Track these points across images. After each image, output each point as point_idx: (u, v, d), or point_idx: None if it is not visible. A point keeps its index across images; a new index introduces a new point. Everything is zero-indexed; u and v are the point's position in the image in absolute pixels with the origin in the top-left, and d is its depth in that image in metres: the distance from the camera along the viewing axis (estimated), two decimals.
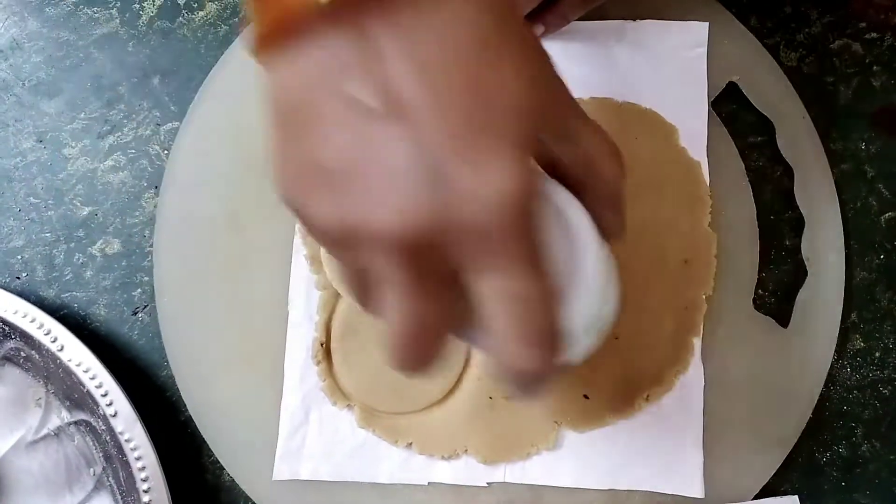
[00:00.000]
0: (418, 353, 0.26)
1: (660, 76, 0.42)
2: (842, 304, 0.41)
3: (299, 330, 0.41)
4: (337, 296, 0.41)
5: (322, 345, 0.41)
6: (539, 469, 0.40)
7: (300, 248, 0.42)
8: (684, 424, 0.40)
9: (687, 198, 0.41)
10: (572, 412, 0.40)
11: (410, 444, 0.40)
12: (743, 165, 0.42)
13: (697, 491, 0.40)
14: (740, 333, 0.41)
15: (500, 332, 0.25)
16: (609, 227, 0.29)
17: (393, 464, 0.40)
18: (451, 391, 0.41)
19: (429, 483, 0.40)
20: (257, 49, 0.25)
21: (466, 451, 0.40)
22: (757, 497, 0.40)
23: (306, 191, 0.25)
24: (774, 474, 0.40)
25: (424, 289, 0.25)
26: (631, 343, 0.40)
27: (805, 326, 0.41)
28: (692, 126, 0.42)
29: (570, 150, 0.28)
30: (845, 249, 0.41)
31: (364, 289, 0.27)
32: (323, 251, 0.41)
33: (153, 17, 0.45)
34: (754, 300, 0.41)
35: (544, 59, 0.27)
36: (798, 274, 0.42)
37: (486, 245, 0.24)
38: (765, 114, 0.42)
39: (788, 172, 0.42)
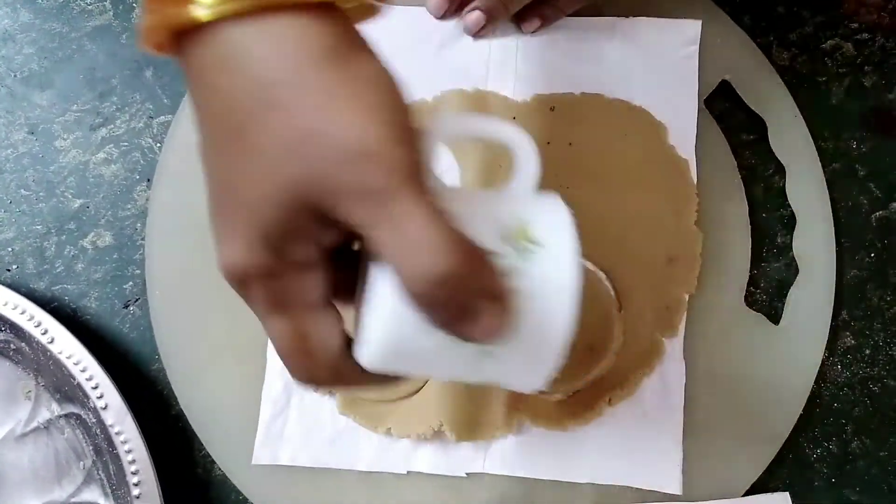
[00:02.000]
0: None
1: (651, 74, 0.42)
2: (833, 301, 0.41)
3: None
4: None
5: None
6: (518, 460, 0.40)
7: None
8: (664, 422, 0.40)
9: (673, 196, 0.42)
10: (530, 404, 0.40)
11: (389, 429, 0.40)
12: (735, 163, 0.42)
13: (676, 488, 0.40)
14: (731, 330, 0.41)
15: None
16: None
17: (372, 451, 0.40)
18: None
19: (408, 472, 0.40)
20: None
21: (441, 426, 0.40)
22: (747, 493, 0.40)
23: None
24: (765, 471, 0.40)
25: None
26: (604, 342, 0.41)
27: (796, 323, 0.41)
28: (681, 124, 0.42)
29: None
30: (836, 247, 0.42)
31: None
32: None
33: None
34: (746, 297, 0.41)
35: None
36: (789, 271, 0.42)
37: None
38: (757, 112, 0.42)
39: (780, 170, 0.42)
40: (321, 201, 0.25)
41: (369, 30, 0.33)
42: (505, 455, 0.40)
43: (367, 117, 0.25)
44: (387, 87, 0.26)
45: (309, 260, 0.27)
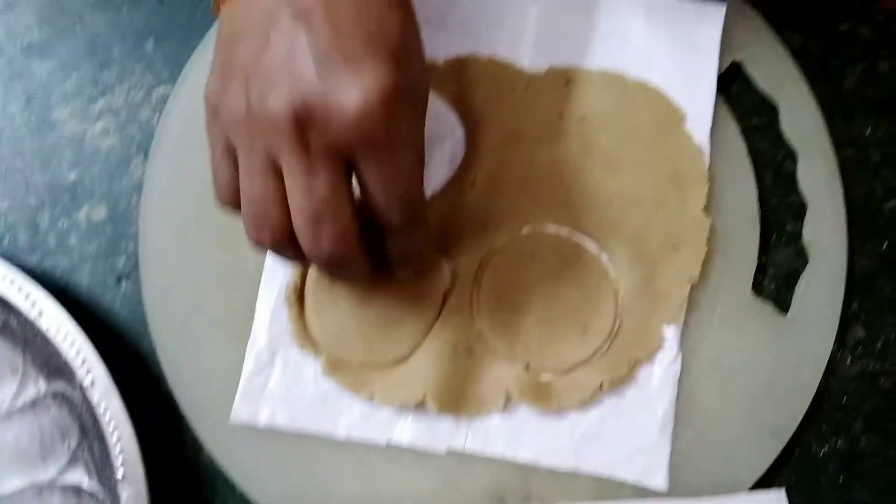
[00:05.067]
0: (331, 229, 0.31)
1: (672, 56, 0.41)
2: (843, 292, 0.40)
3: (275, 271, 0.41)
4: None
5: (296, 288, 0.40)
6: (501, 439, 0.39)
7: None
8: (656, 413, 0.39)
9: (684, 182, 0.41)
10: (519, 380, 0.39)
11: (372, 394, 0.39)
12: (745, 147, 0.41)
13: (661, 483, 0.38)
14: (738, 319, 0.40)
15: (374, 195, 0.32)
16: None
17: (353, 418, 0.39)
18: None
19: (387, 443, 0.39)
20: (215, 6, 0.34)
21: (424, 398, 0.39)
22: (752, 489, 0.39)
23: (224, 86, 0.32)
24: (770, 467, 0.39)
25: (315, 166, 0.30)
26: (599, 324, 0.40)
27: (805, 314, 0.40)
28: (699, 111, 0.41)
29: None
30: (848, 236, 0.40)
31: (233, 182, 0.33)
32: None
33: None
34: (753, 285, 0.40)
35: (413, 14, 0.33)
36: (799, 260, 0.41)
37: (360, 127, 0.30)
38: (768, 96, 0.42)
39: (791, 156, 0.41)
40: None
41: None
42: (488, 433, 0.39)
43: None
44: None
45: None
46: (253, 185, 0.32)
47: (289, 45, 0.30)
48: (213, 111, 0.33)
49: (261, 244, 0.33)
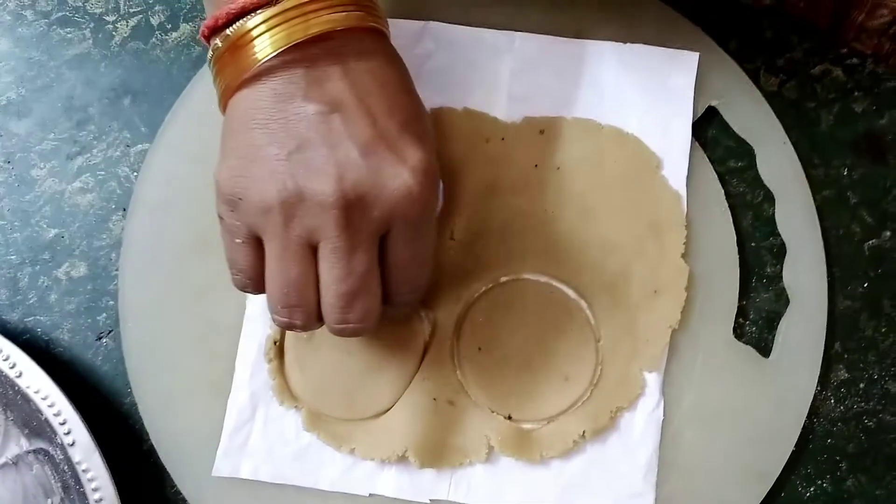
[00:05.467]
0: (362, 307, 0.33)
1: (646, 103, 0.42)
2: (825, 333, 0.40)
3: (255, 325, 0.41)
4: None
5: (275, 343, 0.40)
6: (484, 489, 0.39)
7: None
8: (639, 459, 0.39)
9: (662, 228, 0.41)
10: (500, 431, 0.39)
11: (353, 449, 0.39)
12: (723, 191, 0.41)
13: None
14: (720, 363, 0.40)
15: (397, 270, 0.34)
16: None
17: (335, 470, 0.39)
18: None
19: (370, 494, 0.39)
20: (223, 101, 0.34)
21: (406, 452, 0.39)
22: None
23: (245, 175, 0.32)
24: None
25: (356, 246, 0.32)
26: (580, 372, 0.40)
27: (787, 356, 0.40)
28: (674, 156, 0.41)
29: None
30: (828, 277, 0.40)
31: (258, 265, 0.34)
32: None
33: (126, 37, 0.44)
34: (734, 329, 0.40)
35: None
36: (780, 302, 0.41)
37: (404, 206, 0.32)
38: (745, 139, 0.42)
39: (769, 198, 0.41)
40: None
41: None
42: (471, 483, 0.39)
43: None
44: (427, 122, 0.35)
45: None
46: (288, 269, 0.32)
47: (324, 134, 0.31)
48: (232, 200, 0.32)
49: (292, 326, 0.34)
